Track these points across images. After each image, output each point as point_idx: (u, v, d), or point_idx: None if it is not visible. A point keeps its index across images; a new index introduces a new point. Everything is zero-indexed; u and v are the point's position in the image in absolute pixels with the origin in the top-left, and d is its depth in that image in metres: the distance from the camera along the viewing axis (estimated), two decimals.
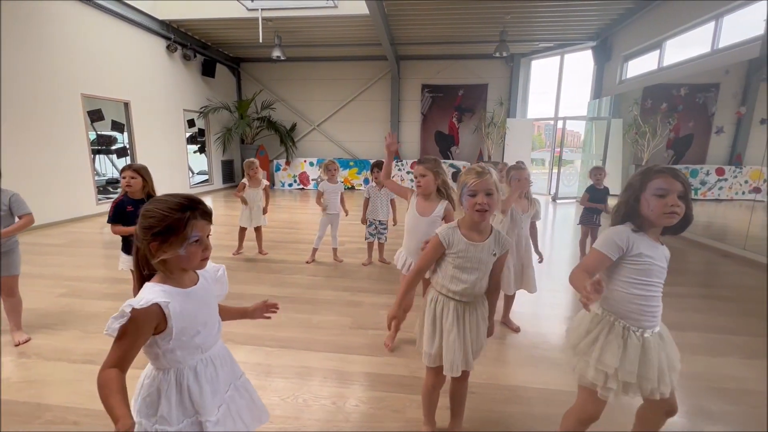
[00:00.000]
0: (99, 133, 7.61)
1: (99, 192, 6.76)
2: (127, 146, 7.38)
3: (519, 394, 1.91)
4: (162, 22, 7.61)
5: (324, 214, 3.95)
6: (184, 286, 1.01)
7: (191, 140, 9.51)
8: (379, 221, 3.87)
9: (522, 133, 9.59)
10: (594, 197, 4.14)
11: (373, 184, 3.87)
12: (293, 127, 10.71)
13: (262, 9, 7.21)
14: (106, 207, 6.53)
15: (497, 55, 7.89)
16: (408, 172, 10.00)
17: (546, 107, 9.89)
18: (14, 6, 4.96)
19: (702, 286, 3.63)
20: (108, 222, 2.34)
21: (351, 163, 10.23)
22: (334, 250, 4.05)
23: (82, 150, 6.08)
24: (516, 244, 2.46)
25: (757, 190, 6.84)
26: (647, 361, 1.21)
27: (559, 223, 6.76)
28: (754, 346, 2.44)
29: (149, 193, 2.36)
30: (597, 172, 4.11)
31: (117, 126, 7.23)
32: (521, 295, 2.62)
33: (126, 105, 7.01)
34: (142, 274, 1.01)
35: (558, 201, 8.74)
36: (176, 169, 8.49)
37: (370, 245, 4.00)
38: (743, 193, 6.88)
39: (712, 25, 5.55)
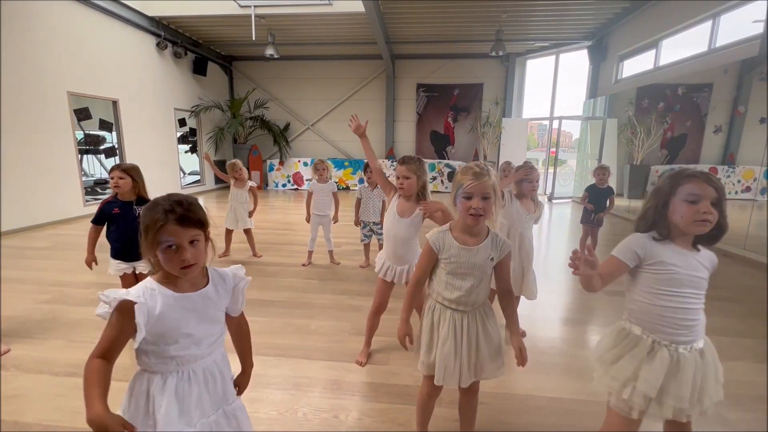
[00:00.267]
0: (87, 132, 7.40)
1: (87, 193, 6.57)
2: (116, 146, 7.18)
3: (529, 404, 1.82)
4: (152, 19, 7.42)
5: (312, 215, 3.83)
6: (180, 290, 0.96)
7: (182, 140, 9.32)
8: (373, 222, 3.77)
9: (517, 132, 9.55)
10: (593, 196, 4.08)
11: (366, 184, 3.76)
12: (287, 126, 10.56)
13: (255, 6, 7.05)
14: (94, 208, 6.33)
15: (493, 54, 7.83)
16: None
17: (541, 107, 9.89)
18: None
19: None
20: (91, 222, 2.26)
21: (346, 163, 10.11)
22: (330, 252, 3.94)
23: (68, 149, 5.88)
24: (518, 247, 2.35)
25: (748, 189, 6.90)
26: (681, 378, 1.11)
27: (555, 223, 6.72)
28: (764, 348, 2.38)
29: (140, 195, 2.24)
30: (601, 172, 4.04)
31: (105, 125, 7.03)
32: (522, 298, 2.54)
33: (114, 103, 6.82)
34: (136, 277, 0.98)
35: (554, 201, 8.72)
36: (167, 169, 8.30)
37: (367, 247, 3.90)
38: (736, 192, 6.92)
39: (708, 24, 5.55)
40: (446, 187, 9.69)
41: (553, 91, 9.45)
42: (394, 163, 9.75)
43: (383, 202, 3.74)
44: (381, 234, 3.78)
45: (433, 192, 1.96)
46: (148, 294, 0.93)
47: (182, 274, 0.94)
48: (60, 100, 5.71)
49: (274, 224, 5.89)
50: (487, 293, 1.36)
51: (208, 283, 1.02)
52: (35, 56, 5.30)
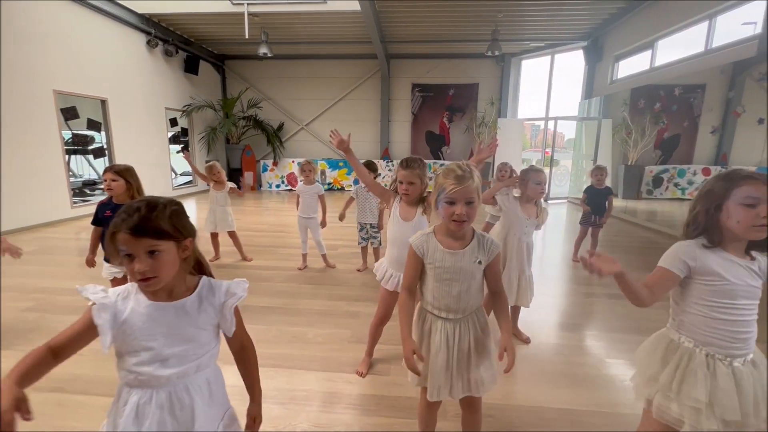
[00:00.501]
0: (74, 132, 7.20)
1: (74, 194, 6.39)
2: (105, 146, 7.00)
3: (540, 416, 1.75)
4: (141, 16, 7.25)
5: (299, 218, 3.72)
6: (156, 298, 0.90)
7: (174, 140, 9.14)
8: (370, 225, 3.67)
9: (513, 133, 9.52)
10: (592, 198, 4.04)
11: (362, 185, 3.65)
12: (281, 126, 10.42)
13: (248, 4, 6.93)
14: (82, 210, 6.19)
15: (489, 54, 7.78)
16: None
17: (537, 107, 9.87)
18: None
19: None
20: (91, 223, 2.29)
21: (341, 164, 10.00)
22: (323, 256, 3.82)
23: (55, 150, 5.71)
24: (515, 253, 2.26)
25: None
26: (741, 392, 1.05)
27: (551, 223, 6.69)
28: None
29: (134, 197, 2.15)
30: (598, 173, 4.01)
31: (93, 125, 6.85)
32: None
33: (103, 102, 6.64)
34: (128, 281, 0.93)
35: (550, 201, 8.71)
36: (158, 170, 8.13)
37: (364, 250, 3.80)
38: None
39: (704, 25, 5.55)
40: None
41: (549, 91, 9.44)
42: (389, 164, 9.73)
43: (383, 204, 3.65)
44: (376, 238, 3.70)
45: (428, 193, 1.86)
46: (122, 297, 0.88)
47: (143, 288, 0.87)
48: (46, 98, 5.53)
49: (268, 226, 5.78)
50: (478, 299, 1.28)
51: (192, 294, 0.93)
52: (20, 54, 5.12)
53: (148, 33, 7.50)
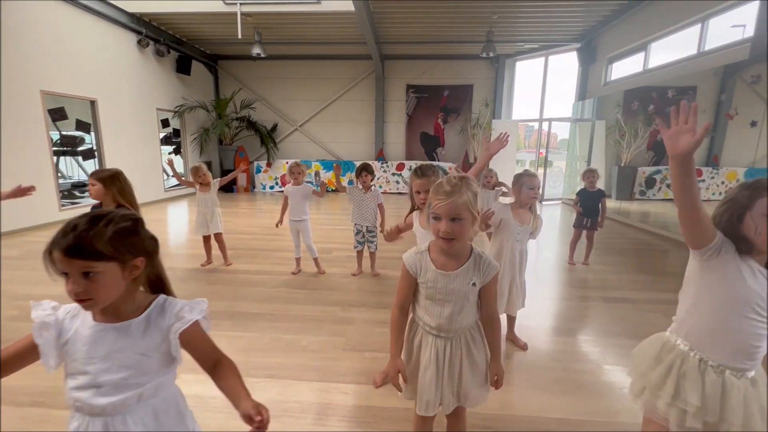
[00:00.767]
0: (63, 133, 7.06)
1: (63, 197, 6.27)
2: (94, 147, 6.87)
3: (539, 427, 1.71)
4: (132, 16, 7.14)
5: (289, 221, 3.66)
6: (102, 317, 0.84)
7: (166, 141, 9.02)
8: (367, 228, 3.62)
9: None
10: (585, 200, 4.04)
11: (359, 186, 3.60)
12: (274, 127, 10.33)
13: (240, 3, 6.85)
14: (71, 213, 6.06)
15: (483, 55, 7.78)
16: (393, 174, 9.80)
17: (531, 109, 9.90)
18: None
19: None
20: None
21: (335, 165, 9.95)
22: (315, 260, 3.74)
23: (42, 151, 5.58)
24: (507, 262, 2.21)
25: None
26: (727, 403, 1.03)
27: (545, 224, 6.68)
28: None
29: (119, 203, 2.11)
30: (589, 175, 4.02)
31: (82, 126, 6.71)
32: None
33: (92, 103, 6.52)
34: None
35: (544, 202, 8.73)
36: (150, 171, 8.01)
37: (359, 254, 3.75)
38: (720, 194, 7.03)
39: (697, 28, 5.58)
40: None
41: (543, 92, 9.47)
42: (384, 165, 9.69)
43: (379, 205, 3.60)
44: (372, 242, 3.65)
45: None
46: (71, 315, 0.83)
47: (83, 308, 0.81)
48: (33, 99, 5.41)
49: (261, 229, 5.71)
50: (472, 319, 1.24)
51: (143, 314, 0.85)
52: (6, 53, 5.00)
53: (138, 32, 7.39)
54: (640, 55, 6.84)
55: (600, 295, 3.26)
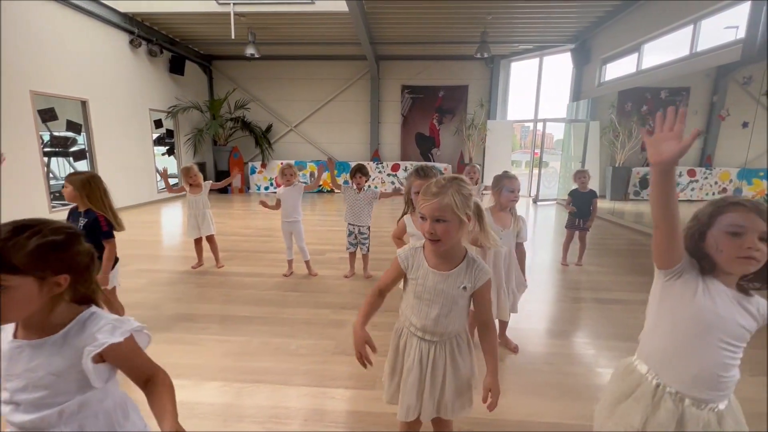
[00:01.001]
0: (53, 133, 6.99)
1: (54, 198, 6.19)
2: (86, 148, 6.80)
3: (530, 431, 1.69)
4: (124, 16, 7.07)
5: (282, 222, 3.64)
6: (26, 332, 0.80)
7: (159, 142, 8.95)
8: (359, 229, 3.59)
9: (502, 134, 9.55)
10: (577, 201, 4.04)
11: (354, 186, 3.59)
12: (269, 128, 10.28)
13: (234, 3, 6.81)
14: (62, 215, 5.93)
15: (478, 56, 7.78)
16: (389, 175, 9.78)
17: (526, 109, 9.92)
18: None
19: None
20: None
21: (328, 159, 9.90)
22: (306, 263, 3.71)
23: (32, 152, 5.52)
24: (492, 265, 2.14)
25: (725, 191, 7.05)
26: None
27: (540, 225, 6.70)
28: (759, 359, 2.32)
29: (89, 208, 2.09)
30: (580, 176, 4.03)
31: (73, 126, 6.64)
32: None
33: (84, 104, 6.46)
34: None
35: (539, 203, 8.74)
36: (143, 172, 7.94)
37: (352, 255, 3.72)
38: (713, 194, 7.07)
39: (689, 29, 5.60)
40: None
41: (537, 93, 9.49)
42: (379, 166, 9.66)
43: (381, 193, 3.61)
44: (365, 244, 3.63)
45: None
46: (2, 332, 0.80)
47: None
48: (22, 99, 5.34)
49: (255, 230, 5.67)
50: (459, 325, 1.21)
51: (62, 331, 0.79)
52: None
53: (131, 32, 7.32)
54: (634, 56, 6.86)
55: (593, 297, 3.25)
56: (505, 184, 2.14)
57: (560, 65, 9.08)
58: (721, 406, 0.97)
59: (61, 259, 0.77)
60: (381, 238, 4.90)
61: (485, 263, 1.19)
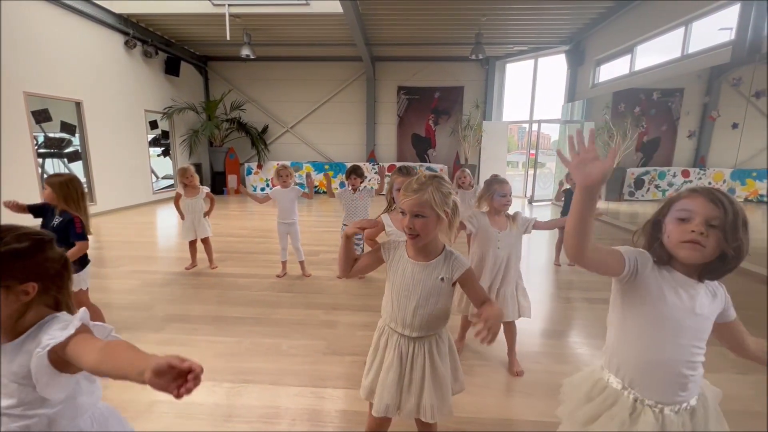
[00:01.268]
0: (47, 134, 6.97)
1: None
2: (80, 150, 6.78)
3: (513, 428, 1.71)
4: (119, 16, 7.06)
5: (278, 224, 3.65)
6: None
7: (154, 143, 8.93)
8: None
9: (498, 135, 9.59)
10: (570, 201, 4.06)
11: (349, 188, 3.61)
12: (265, 129, 10.29)
13: (229, 5, 6.81)
14: None
15: (473, 57, 7.82)
16: (387, 176, 9.79)
17: (521, 110, 9.96)
18: None
19: None
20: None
21: (326, 167, 9.92)
22: (301, 263, 3.72)
23: (25, 153, 5.50)
24: (490, 268, 2.10)
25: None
26: None
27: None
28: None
29: (64, 210, 2.12)
30: (571, 177, 4.04)
31: (67, 128, 6.62)
32: None
33: (78, 105, 6.44)
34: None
35: (534, 203, 8.78)
36: (138, 173, 7.93)
37: None
38: None
39: (680, 31, 5.65)
40: None
41: (533, 94, 9.53)
42: (375, 167, 9.67)
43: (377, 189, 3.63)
44: (358, 245, 3.64)
45: None
46: None
47: None
48: (15, 100, 5.33)
49: (250, 231, 5.67)
50: (439, 322, 1.22)
51: (25, 335, 0.76)
52: None
53: (126, 33, 7.31)
54: (627, 58, 6.91)
55: (584, 297, 3.28)
56: (496, 190, 2.10)
57: (555, 66, 9.14)
58: (693, 401, 0.97)
59: (27, 266, 0.75)
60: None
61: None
